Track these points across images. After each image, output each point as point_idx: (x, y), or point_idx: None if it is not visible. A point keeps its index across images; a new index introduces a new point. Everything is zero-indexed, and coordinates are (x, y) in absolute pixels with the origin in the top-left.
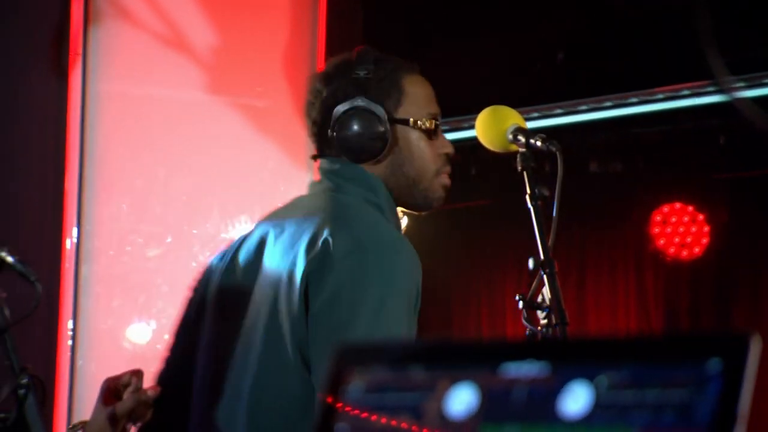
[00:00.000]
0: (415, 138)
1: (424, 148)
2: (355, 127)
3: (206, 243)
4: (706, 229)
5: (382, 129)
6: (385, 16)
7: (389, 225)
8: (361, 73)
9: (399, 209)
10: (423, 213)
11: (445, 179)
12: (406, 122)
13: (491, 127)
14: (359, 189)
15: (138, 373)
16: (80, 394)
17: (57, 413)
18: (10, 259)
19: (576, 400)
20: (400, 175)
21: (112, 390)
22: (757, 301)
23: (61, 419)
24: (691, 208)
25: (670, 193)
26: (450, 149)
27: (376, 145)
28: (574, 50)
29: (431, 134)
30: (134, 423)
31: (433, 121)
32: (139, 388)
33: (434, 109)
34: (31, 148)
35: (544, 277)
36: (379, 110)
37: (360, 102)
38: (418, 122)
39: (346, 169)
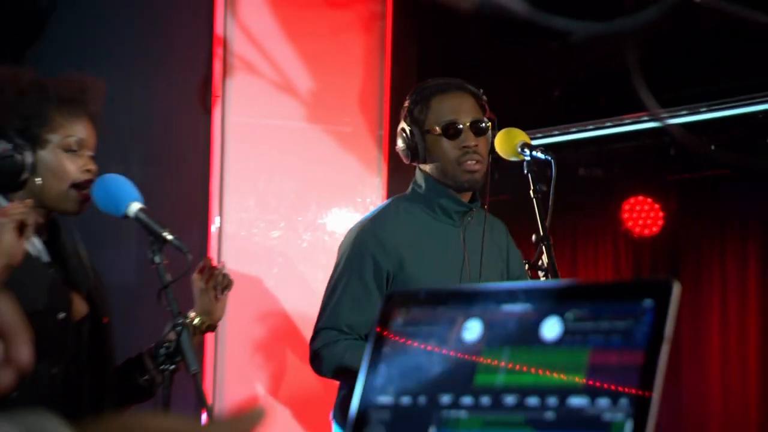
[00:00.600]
0: (438, 140)
1: (444, 146)
2: (401, 143)
3: (308, 227)
4: (661, 215)
5: (415, 141)
6: (432, 65)
7: (396, 208)
8: (406, 104)
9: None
10: (466, 191)
11: (466, 166)
12: (430, 131)
13: (505, 142)
14: (414, 183)
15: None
16: (219, 332)
17: (206, 344)
18: (170, 237)
19: (551, 329)
20: (436, 168)
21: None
22: (698, 265)
23: (208, 347)
24: (650, 200)
25: (635, 190)
26: (468, 143)
27: (416, 152)
28: (567, 89)
29: (450, 135)
30: (221, 292)
31: (449, 126)
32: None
33: (452, 116)
34: (187, 162)
35: (543, 247)
36: (414, 129)
37: (402, 125)
38: (436, 128)
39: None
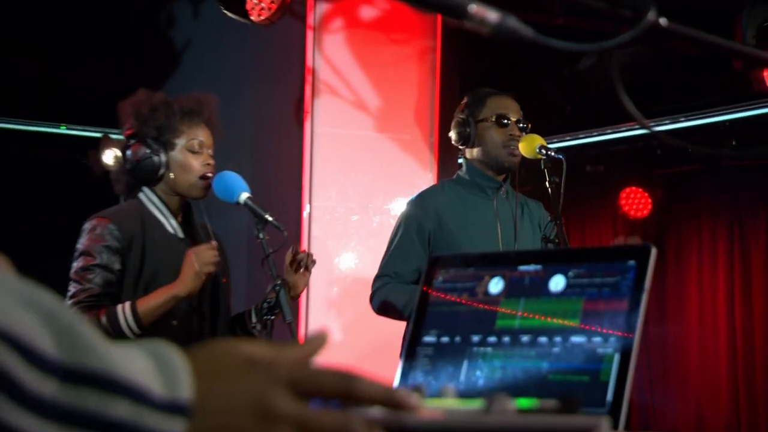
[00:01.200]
0: (487, 128)
1: (493, 134)
2: (455, 131)
3: (377, 211)
4: (650, 201)
5: (468, 128)
6: (472, 87)
7: (441, 186)
8: (464, 101)
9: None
10: (505, 172)
11: (510, 150)
12: (482, 120)
13: (528, 145)
14: (458, 171)
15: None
16: (310, 290)
17: (299, 300)
18: (271, 218)
19: (556, 284)
20: (481, 151)
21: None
22: (678, 240)
23: (300, 305)
24: (641, 190)
25: (629, 182)
26: (514, 132)
27: (467, 138)
28: (576, 104)
29: (501, 124)
30: (304, 269)
31: (501, 117)
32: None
33: (504, 111)
34: (284, 162)
35: (556, 225)
36: (470, 119)
37: (459, 116)
38: (490, 118)
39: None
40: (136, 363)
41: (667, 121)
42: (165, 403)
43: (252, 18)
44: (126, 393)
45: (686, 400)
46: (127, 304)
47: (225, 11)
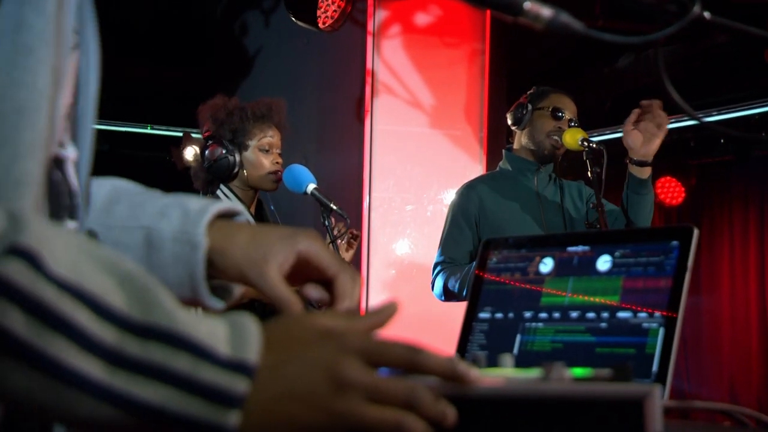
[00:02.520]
0: (541, 116)
1: (544, 121)
2: (512, 112)
3: (430, 201)
4: (683, 189)
5: (524, 112)
6: (518, 88)
7: (485, 175)
8: (530, 91)
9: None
10: (545, 159)
11: (553, 140)
12: (539, 109)
13: (571, 138)
14: (502, 160)
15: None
16: (370, 273)
17: (360, 282)
18: (335, 207)
19: (603, 263)
20: (528, 134)
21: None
22: (711, 225)
23: (361, 287)
24: (675, 179)
25: (665, 171)
26: (564, 126)
27: (520, 120)
28: (614, 101)
29: (555, 116)
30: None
31: (557, 110)
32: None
33: (562, 107)
34: (347, 156)
35: (598, 211)
36: (529, 105)
37: (521, 101)
38: (548, 108)
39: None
40: (204, 325)
41: (700, 115)
42: (228, 362)
43: (319, 25)
44: (187, 348)
45: (720, 377)
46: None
47: (296, 21)
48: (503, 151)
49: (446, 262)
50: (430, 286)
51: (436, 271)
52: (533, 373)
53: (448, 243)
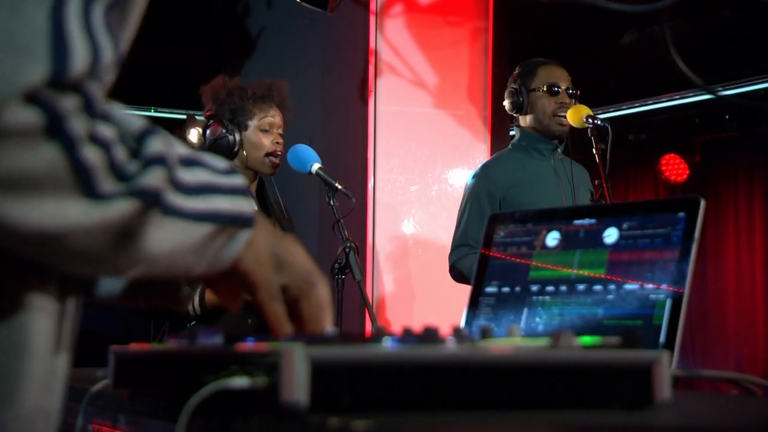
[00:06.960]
0: (539, 97)
1: (543, 102)
2: (508, 100)
3: (435, 181)
4: (687, 166)
5: (521, 97)
6: (522, 58)
7: (500, 156)
8: (516, 71)
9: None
10: (555, 139)
11: (558, 119)
12: (534, 90)
13: (575, 115)
14: (513, 139)
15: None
16: (376, 253)
17: (366, 261)
18: (340, 187)
19: (610, 236)
20: (533, 119)
21: None
22: (716, 201)
23: (367, 266)
24: (679, 156)
25: (669, 148)
26: (564, 100)
27: (520, 107)
28: (618, 78)
29: (552, 93)
30: None
31: (552, 86)
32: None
33: (554, 80)
34: (351, 136)
35: (603, 188)
36: (522, 88)
37: (512, 86)
38: (542, 87)
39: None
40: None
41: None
42: (235, 184)
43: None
44: (204, 165)
45: (726, 349)
46: (197, 295)
47: (301, 2)
48: (516, 128)
49: (469, 246)
50: (449, 268)
51: (457, 255)
52: (542, 341)
53: (470, 226)
